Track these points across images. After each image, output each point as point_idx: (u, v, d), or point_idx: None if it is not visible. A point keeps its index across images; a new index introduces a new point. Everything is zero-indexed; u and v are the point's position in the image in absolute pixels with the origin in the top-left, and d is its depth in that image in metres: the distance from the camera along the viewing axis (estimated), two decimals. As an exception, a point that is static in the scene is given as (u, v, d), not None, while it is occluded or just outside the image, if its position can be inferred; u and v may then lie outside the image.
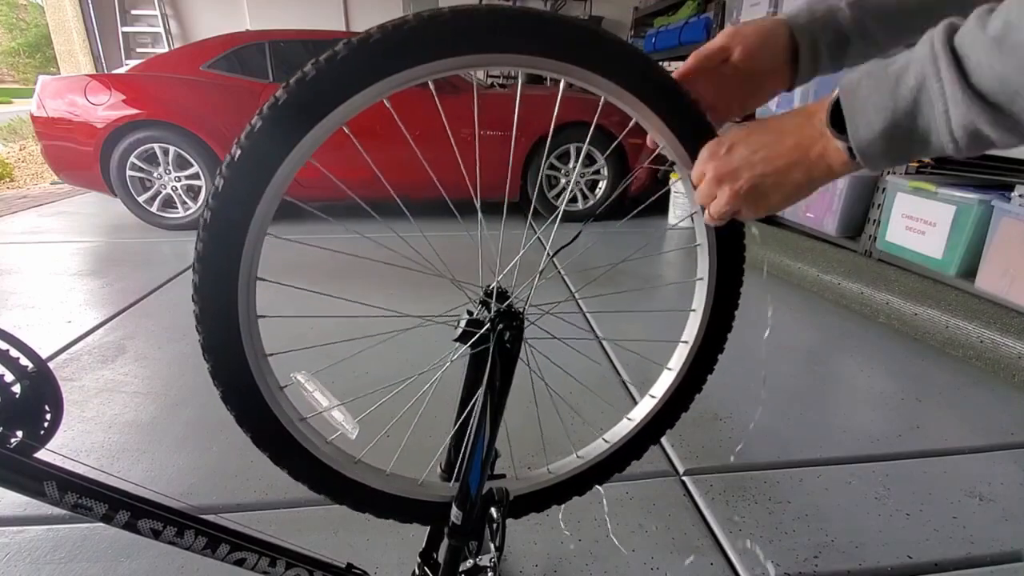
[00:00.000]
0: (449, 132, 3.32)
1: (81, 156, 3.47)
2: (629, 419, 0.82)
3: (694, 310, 0.75)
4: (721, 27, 3.79)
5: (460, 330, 0.66)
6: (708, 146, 0.54)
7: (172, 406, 1.63)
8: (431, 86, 0.58)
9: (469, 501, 0.71)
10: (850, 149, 0.43)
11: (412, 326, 0.70)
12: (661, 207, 3.98)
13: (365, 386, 1.53)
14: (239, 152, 0.49)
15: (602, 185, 3.86)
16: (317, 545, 0.67)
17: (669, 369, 0.79)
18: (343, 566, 0.70)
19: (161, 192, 3.62)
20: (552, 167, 3.78)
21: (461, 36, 0.50)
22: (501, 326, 0.67)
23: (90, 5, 5.96)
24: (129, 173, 3.52)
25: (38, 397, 0.52)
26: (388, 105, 0.55)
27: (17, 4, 21.43)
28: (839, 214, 2.72)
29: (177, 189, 3.62)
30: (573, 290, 2.40)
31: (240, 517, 1.17)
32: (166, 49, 5.88)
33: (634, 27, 5.93)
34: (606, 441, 0.82)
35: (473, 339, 0.66)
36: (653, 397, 0.80)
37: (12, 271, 2.83)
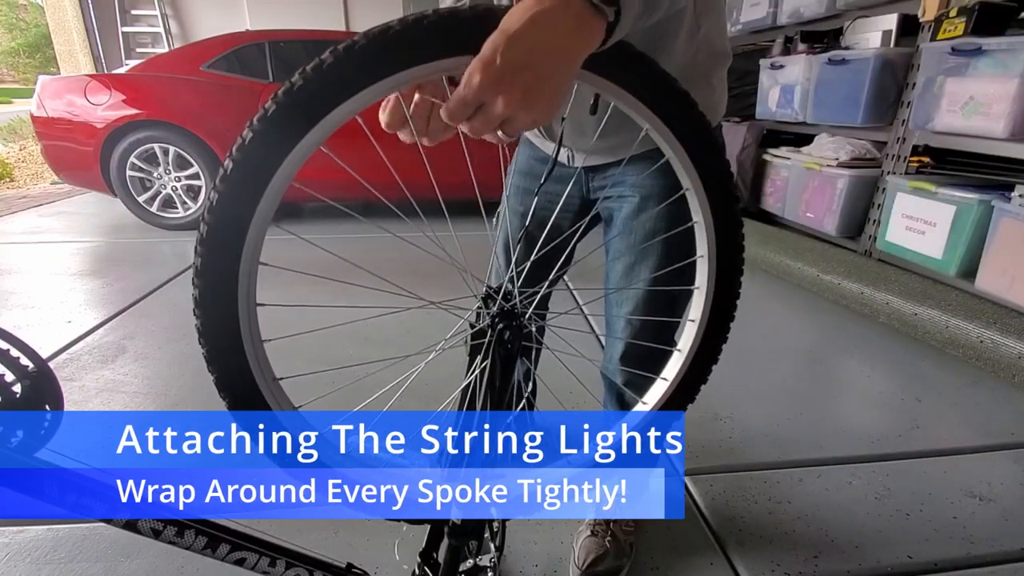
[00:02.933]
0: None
1: (81, 156, 3.47)
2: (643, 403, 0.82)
3: (697, 288, 0.74)
4: (721, 27, 3.79)
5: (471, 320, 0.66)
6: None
7: (172, 406, 1.63)
8: (444, 83, 0.58)
9: (469, 501, 0.70)
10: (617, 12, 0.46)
11: (417, 306, 0.70)
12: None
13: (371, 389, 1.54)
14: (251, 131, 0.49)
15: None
16: (317, 545, 0.67)
17: (664, 379, 0.79)
18: (343, 566, 0.70)
19: (161, 192, 3.62)
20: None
21: (464, 36, 0.50)
22: (501, 325, 0.67)
23: (90, 5, 5.95)
24: (129, 173, 3.52)
25: (38, 397, 0.52)
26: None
27: (17, 4, 21.41)
28: (839, 214, 2.72)
29: (177, 189, 3.62)
30: (579, 300, 2.40)
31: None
32: (166, 49, 5.88)
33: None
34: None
35: (479, 329, 0.66)
36: (645, 404, 0.80)
37: (12, 271, 2.83)
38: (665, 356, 0.94)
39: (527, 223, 1.02)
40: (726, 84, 0.90)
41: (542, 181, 0.84)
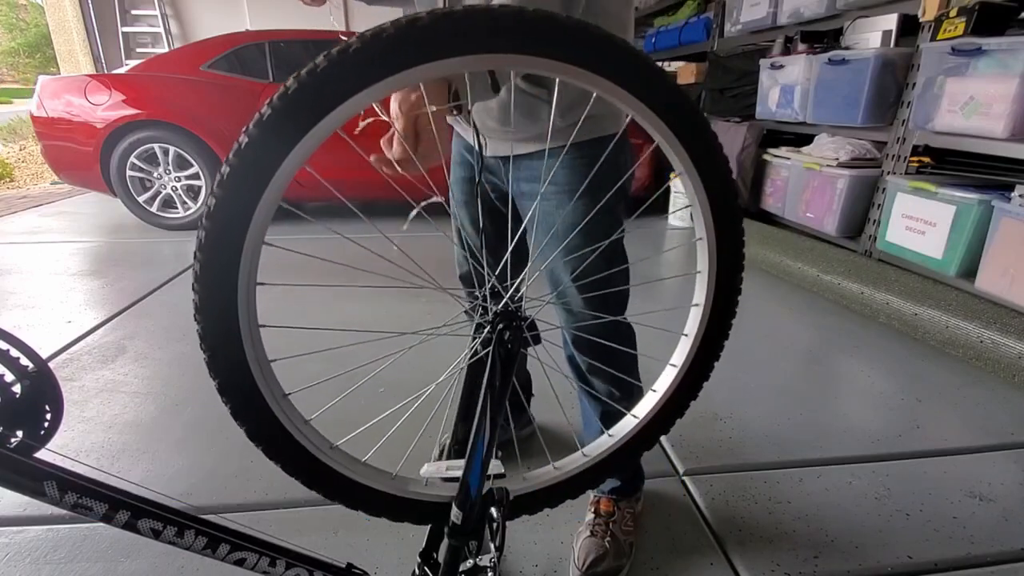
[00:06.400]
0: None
1: (81, 156, 3.47)
2: (634, 416, 0.82)
3: (696, 304, 0.74)
4: (721, 27, 3.79)
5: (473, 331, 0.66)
6: None
7: (172, 406, 1.63)
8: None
9: (469, 501, 0.70)
10: None
11: (416, 343, 0.70)
12: (661, 206, 3.98)
13: (371, 390, 1.54)
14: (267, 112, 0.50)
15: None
16: (317, 545, 0.67)
17: (672, 365, 0.79)
18: (343, 566, 0.70)
19: (161, 192, 3.62)
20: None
21: (460, 37, 0.50)
22: (501, 326, 0.67)
23: (90, 5, 5.95)
24: (129, 173, 3.52)
25: (38, 397, 0.52)
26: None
27: (17, 4, 21.40)
28: (839, 214, 2.72)
29: (177, 189, 3.62)
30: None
31: (240, 517, 1.17)
32: (166, 49, 5.87)
33: (634, 27, 5.89)
34: (611, 436, 0.82)
35: (482, 338, 0.66)
36: (655, 391, 0.80)
37: (12, 271, 2.83)
38: (615, 350, 0.94)
39: (469, 209, 1.04)
40: None
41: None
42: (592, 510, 1.15)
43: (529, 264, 0.91)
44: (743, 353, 1.96)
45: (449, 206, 1.02)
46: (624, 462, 0.83)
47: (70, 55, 6.12)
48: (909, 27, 2.56)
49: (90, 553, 1.11)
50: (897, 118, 2.44)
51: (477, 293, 0.72)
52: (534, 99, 0.81)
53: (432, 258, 0.74)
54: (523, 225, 0.93)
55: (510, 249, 0.78)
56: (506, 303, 0.69)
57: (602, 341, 0.94)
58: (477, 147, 0.86)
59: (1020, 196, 1.93)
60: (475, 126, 0.81)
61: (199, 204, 3.68)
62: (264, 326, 0.59)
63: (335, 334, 1.88)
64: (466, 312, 0.98)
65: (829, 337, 2.20)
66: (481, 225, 1.05)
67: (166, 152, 3.52)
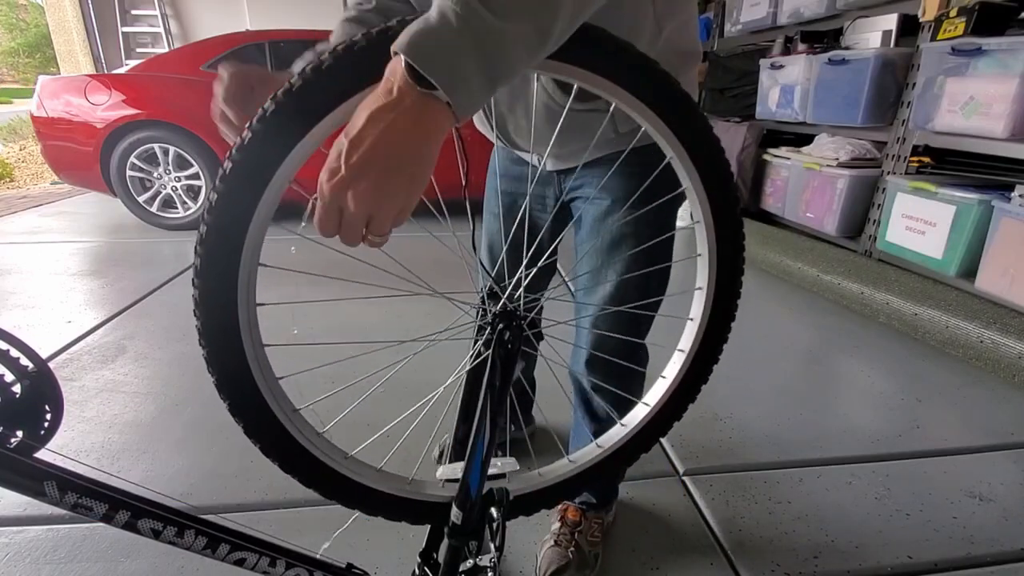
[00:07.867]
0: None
1: (81, 156, 3.47)
2: (623, 424, 0.82)
3: (692, 319, 0.74)
4: (721, 27, 3.80)
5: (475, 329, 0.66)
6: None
7: (172, 406, 1.63)
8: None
9: (469, 501, 0.70)
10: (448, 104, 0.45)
11: (420, 350, 0.70)
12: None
13: (370, 393, 1.54)
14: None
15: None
16: (317, 545, 0.67)
17: (663, 377, 0.79)
18: (343, 566, 0.70)
19: (161, 192, 3.62)
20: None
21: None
22: (501, 326, 0.67)
23: (90, 5, 5.95)
24: (129, 173, 3.52)
25: (38, 397, 0.52)
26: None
27: (17, 4, 21.42)
28: (839, 214, 2.72)
29: (177, 189, 3.62)
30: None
31: (240, 517, 1.17)
32: (166, 49, 5.87)
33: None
34: (599, 446, 0.82)
35: (484, 339, 0.66)
36: (647, 405, 0.80)
37: (12, 271, 2.83)
38: (630, 372, 0.93)
39: (504, 223, 1.02)
40: (696, 85, 0.89)
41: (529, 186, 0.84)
42: (558, 519, 1.13)
43: (536, 268, 0.90)
44: (743, 353, 1.96)
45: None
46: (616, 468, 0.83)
47: (70, 55, 6.12)
48: (909, 27, 2.56)
49: (90, 553, 1.11)
50: (897, 118, 2.44)
51: (484, 295, 0.71)
52: (587, 114, 0.79)
53: (429, 258, 0.74)
54: (558, 238, 0.92)
55: (526, 255, 0.78)
56: (504, 303, 0.69)
57: (619, 361, 0.91)
58: (534, 164, 0.83)
59: (1020, 196, 1.93)
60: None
61: (199, 204, 3.68)
62: (268, 345, 0.60)
63: (335, 336, 1.87)
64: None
65: (829, 337, 2.20)
66: (504, 234, 1.03)
67: (166, 152, 3.52)
